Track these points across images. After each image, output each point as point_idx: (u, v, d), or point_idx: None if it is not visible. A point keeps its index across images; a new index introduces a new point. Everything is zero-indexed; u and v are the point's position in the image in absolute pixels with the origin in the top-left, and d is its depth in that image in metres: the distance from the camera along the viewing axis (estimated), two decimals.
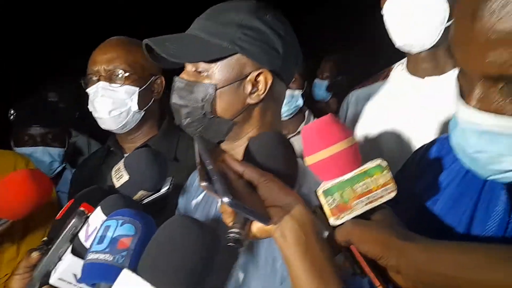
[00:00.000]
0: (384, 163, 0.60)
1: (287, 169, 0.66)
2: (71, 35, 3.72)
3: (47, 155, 1.77)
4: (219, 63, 0.79)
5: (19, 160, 1.30)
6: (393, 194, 0.60)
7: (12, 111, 1.71)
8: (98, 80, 1.18)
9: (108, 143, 1.32)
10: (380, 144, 1.29)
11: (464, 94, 0.54)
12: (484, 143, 0.52)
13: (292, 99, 1.97)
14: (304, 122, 2.10)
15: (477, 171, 0.56)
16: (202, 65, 0.79)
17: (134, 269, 0.56)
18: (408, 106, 1.18)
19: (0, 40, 3.26)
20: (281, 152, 0.67)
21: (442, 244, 0.54)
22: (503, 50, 0.46)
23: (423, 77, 1.16)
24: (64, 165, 1.88)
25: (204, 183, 0.57)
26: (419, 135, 1.07)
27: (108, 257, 0.60)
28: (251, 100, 0.81)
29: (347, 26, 3.72)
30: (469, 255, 0.51)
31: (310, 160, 0.63)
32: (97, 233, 0.65)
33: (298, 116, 2.08)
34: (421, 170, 0.76)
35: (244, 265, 0.77)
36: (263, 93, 0.81)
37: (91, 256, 0.61)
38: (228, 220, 0.61)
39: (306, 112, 2.16)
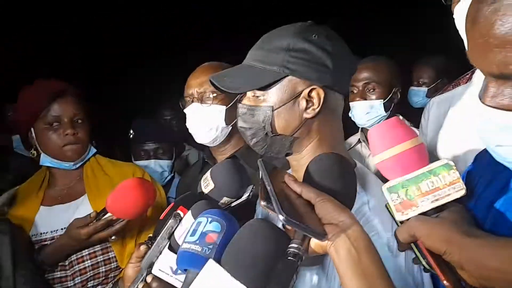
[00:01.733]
0: (451, 163, 0.63)
1: (343, 188, 0.69)
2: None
3: (158, 167, 2.06)
4: (273, 87, 0.86)
5: (137, 170, 1.54)
6: (462, 193, 0.62)
7: (131, 131, 2.04)
8: (192, 101, 1.37)
9: (203, 155, 1.51)
10: (466, 145, 1.24)
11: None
12: (502, 137, 0.53)
13: (372, 109, 1.96)
14: None
15: (505, 164, 0.57)
16: (258, 91, 0.87)
17: (218, 260, 0.63)
18: None
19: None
20: (337, 172, 0.70)
21: (502, 240, 0.55)
22: (498, 51, 0.47)
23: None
24: (173, 174, 2.15)
25: (263, 203, 0.62)
26: None
27: (197, 248, 0.68)
28: (307, 115, 0.87)
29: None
30: None
31: (376, 160, 0.69)
32: (191, 227, 0.74)
33: None
34: (485, 171, 0.75)
35: (317, 271, 0.83)
36: (318, 107, 0.86)
37: (184, 246, 0.71)
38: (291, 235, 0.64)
39: (400, 118, 2.08)
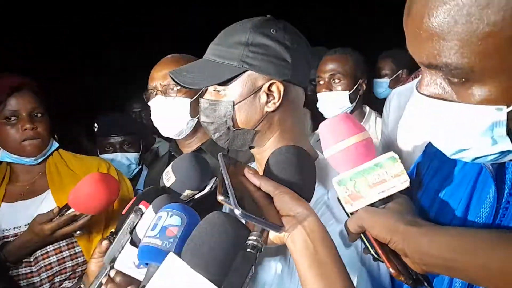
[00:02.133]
0: (396, 156, 0.66)
1: (302, 180, 0.71)
2: None
3: (125, 159, 2.04)
4: (233, 82, 0.87)
5: (102, 164, 1.52)
6: (406, 184, 0.65)
7: (95, 124, 2.01)
8: (156, 94, 1.36)
9: (170, 148, 1.51)
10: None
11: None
12: (436, 124, 0.56)
13: (337, 100, 2.00)
14: (364, 120, 2.12)
15: (442, 150, 0.60)
16: (219, 86, 0.88)
17: (178, 253, 0.64)
18: None
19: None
20: (295, 165, 0.71)
21: (442, 229, 0.58)
22: (427, 43, 0.50)
23: None
24: (140, 166, 2.13)
25: (220, 197, 0.63)
26: None
27: (158, 242, 0.69)
28: (268, 109, 0.88)
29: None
30: (466, 238, 0.55)
31: (326, 154, 0.71)
32: (152, 221, 0.74)
33: (357, 114, 2.10)
34: (432, 161, 0.79)
35: (280, 261, 0.84)
36: (278, 100, 0.87)
37: (145, 240, 0.71)
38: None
39: (367, 109, 2.16)
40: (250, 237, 0.63)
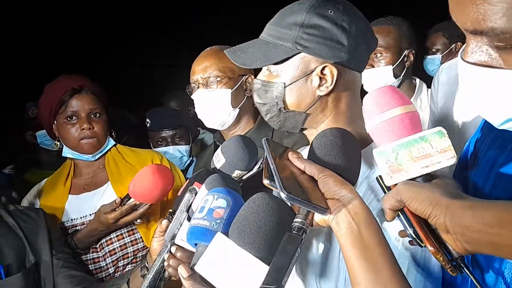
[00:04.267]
0: (443, 130, 0.62)
1: (346, 163, 0.69)
2: None
3: (177, 152, 2.13)
4: (285, 63, 0.85)
5: (155, 156, 1.62)
6: (452, 161, 0.61)
7: (147, 119, 2.12)
8: (198, 87, 1.41)
9: (214, 139, 1.57)
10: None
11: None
12: (483, 93, 0.53)
13: (380, 76, 1.88)
14: (416, 93, 2.00)
15: (489, 120, 0.56)
16: (272, 66, 0.87)
17: (225, 233, 0.66)
18: None
19: None
20: (340, 148, 0.70)
21: (487, 202, 0.54)
22: (471, 8, 0.47)
23: None
24: (191, 158, 2.22)
25: (266, 181, 0.64)
26: None
27: (206, 223, 0.72)
28: (320, 92, 0.85)
29: None
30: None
31: (368, 126, 0.69)
32: (198, 205, 0.78)
33: (405, 87, 1.97)
34: (488, 135, 0.74)
35: (325, 240, 0.85)
36: (331, 84, 0.84)
37: (193, 222, 0.75)
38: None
39: (417, 81, 2.03)
40: (296, 219, 0.64)
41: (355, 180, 0.71)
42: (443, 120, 1.65)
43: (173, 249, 0.89)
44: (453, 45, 2.47)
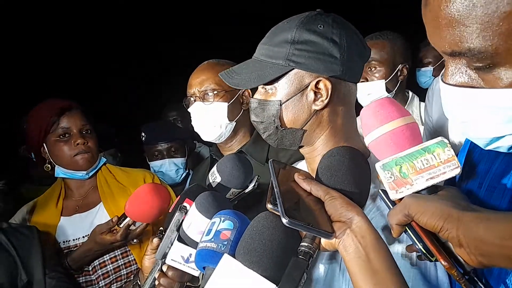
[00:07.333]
0: (446, 140, 0.61)
1: (354, 184, 0.67)
2: None
3: (173, 165, 2.11)
4: (280, 81, 0.85)
5: (147, 175, 1.60)
6: (457, 171, 0.60)
7: (142, 133, 2.11)
8: (195, 100, 1.39)
9: (211, 153, 1.54)
10: None
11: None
12: (464, 114, 0.54)
13: (374, 90, 1.87)
14: (407, 105, 2.00)
15: (475, 142, 0.56)
16: (267, 85, 0.87)
17: (232, 254, 0.66)
18: None
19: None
20: (347, 168, 0.68)
21: (500, 214, 0.53)
22: (448, 31, 0.49)
23: None
24: (188, 171, 2.19)
25: (269, 206, 0.64)
26: None
27: (213, 245, 0.72)
28: (316, 107, 0.85)
29: None
30: None
31: (368, 139, 0.67)
32: (206, 227, 0.77)
33: (399, 98, 1.96)
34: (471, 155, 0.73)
35: (331, 260, 0.82)
36: (326, 98, 0.84)
37: (201, 245, 0.74)
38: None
39: (410, 94, 2.04)
40: (302, 243, 0.63)
41: (364, 201, 0.70)
42: (438, 133, 1.65)
43: (164, 267, 0.88)
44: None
